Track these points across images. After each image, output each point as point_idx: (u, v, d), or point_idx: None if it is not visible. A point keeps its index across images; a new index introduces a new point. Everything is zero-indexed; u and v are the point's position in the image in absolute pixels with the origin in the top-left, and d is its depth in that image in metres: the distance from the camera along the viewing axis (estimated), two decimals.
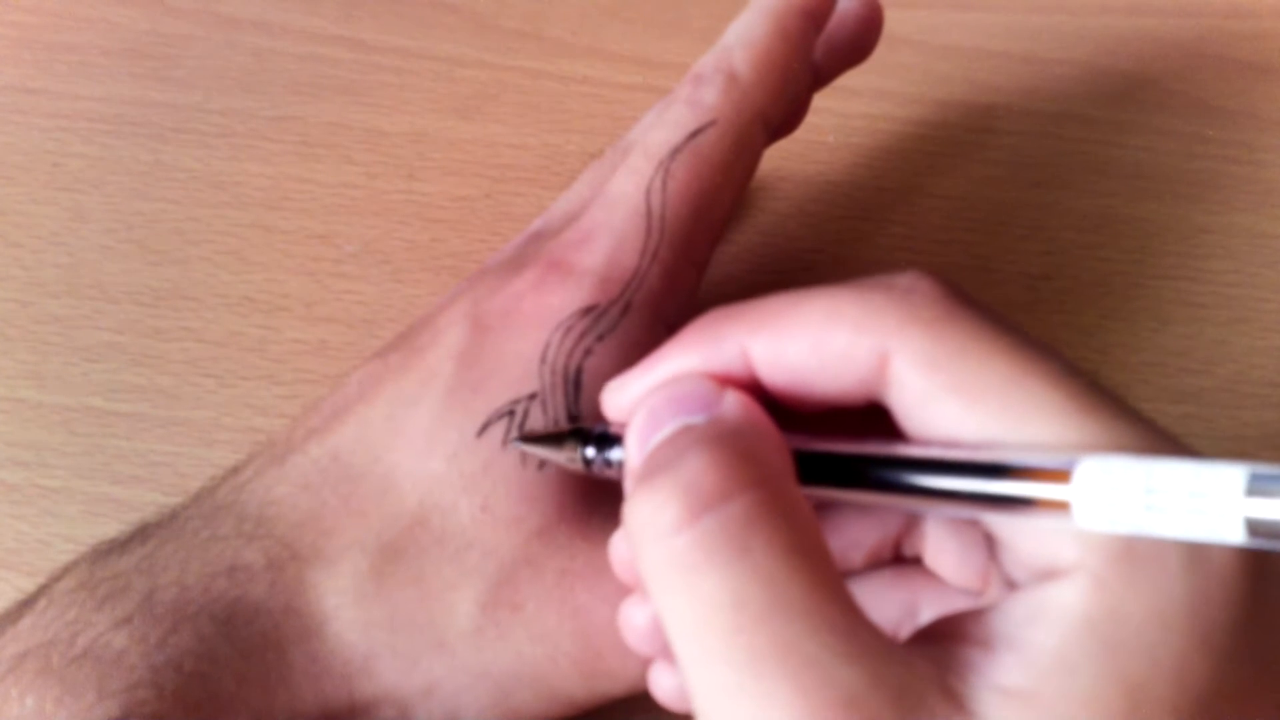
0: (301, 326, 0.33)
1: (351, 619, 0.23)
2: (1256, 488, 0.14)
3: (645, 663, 0.23)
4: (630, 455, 0.20)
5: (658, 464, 0.18)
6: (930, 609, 0.22)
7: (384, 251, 0.34)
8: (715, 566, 0.17)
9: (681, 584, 0.17)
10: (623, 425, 0.22)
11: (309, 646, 0.23)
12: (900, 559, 0.23)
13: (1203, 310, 0.33)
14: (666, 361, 0.21)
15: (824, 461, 0.19)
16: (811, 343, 0.19)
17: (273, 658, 0.22)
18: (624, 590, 0.23)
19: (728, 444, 0.18)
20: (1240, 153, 0.36)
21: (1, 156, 0.36)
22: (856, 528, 0.23)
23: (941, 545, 0.22)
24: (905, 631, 0.22)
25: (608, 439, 0.22)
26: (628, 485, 0.20)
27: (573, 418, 0.24)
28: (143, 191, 0.36)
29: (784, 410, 0.20)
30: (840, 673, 0.16)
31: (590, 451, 0.22)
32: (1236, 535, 0.15)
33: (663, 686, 0.22)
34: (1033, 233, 0.34)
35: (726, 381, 0.20)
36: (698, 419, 0.19)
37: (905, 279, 0.19)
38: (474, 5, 0.40)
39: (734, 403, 0.19)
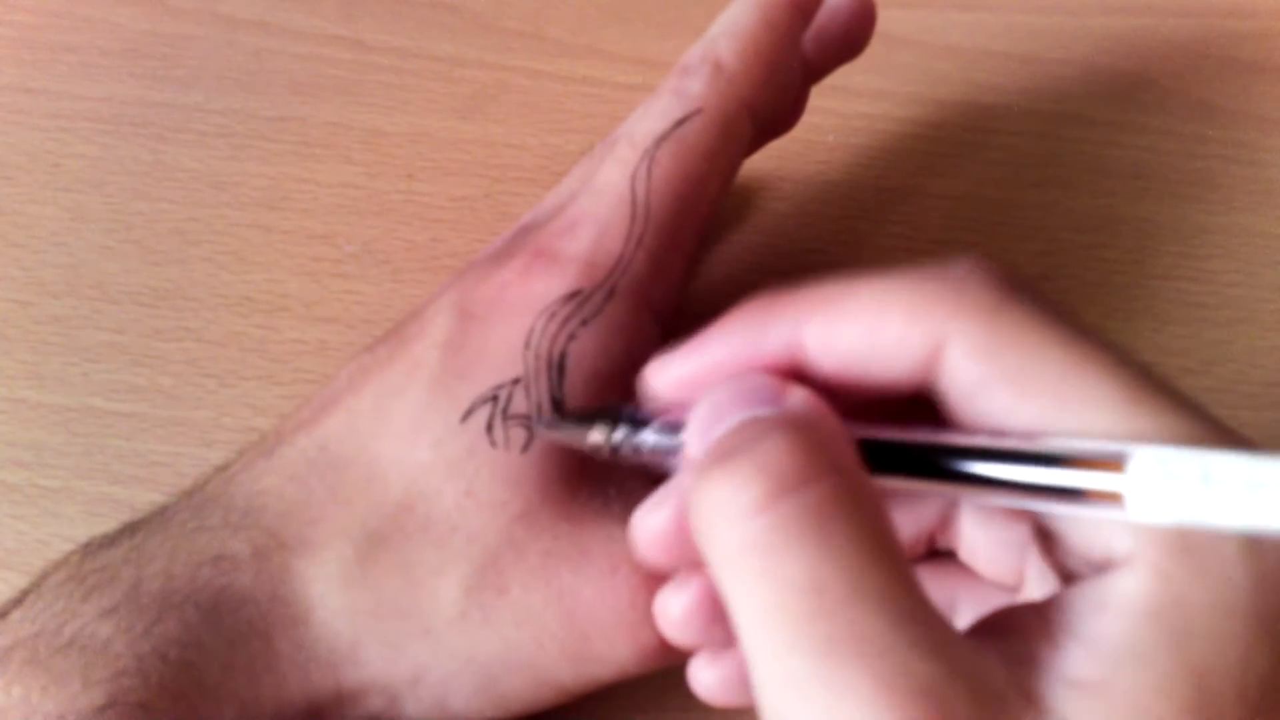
0: (301, 326, 0.33)
1: (337, 607, 0.23)
2: None
3: (633, 646, 0.23)
4: (691, 446, 0.20)
5: (731, 447, 0.18)
6: (967, 605, 0.22)
7: (384, 251, 0.34)
8: (796, 550, 0.16)
9: (758, 567, 0.17)
10: (661, 406, 0.21)
11: (295, 634, 0.23)
12: (935, 553, 0.23)
13: (1203, 310, 0.33)
14: (712, 344, 0.21)
15: (879, 449, 0.19)
16: (865, 329, 0.19)
17: (259, 646, 0.22)
18: (608, 571, 0.23)
19: (805, 431, 0.18)
20: (1240, 152, 0.36)
21: (2, 157, 0.36)
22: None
23: (975, 541, 0.22)
24: None
25: (638, 421, 0.22)
26: (687, 476, 0.20)
27: (555, 402, 0.24)
28: (143, 191, 0.36)
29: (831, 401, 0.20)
30: (918, 664, 0.16)
31: (619, 434, 0.22)
32: None
33: (702, 681, 0.22)
34: (1033, 233, 0.34)
35: (779, 371, 0.20)
36: (764, 411, 0.19)
37: (961, 266, 0.19)
38: (474, 5, 0.40)
39: (800, 397, 0.19)
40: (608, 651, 0.23)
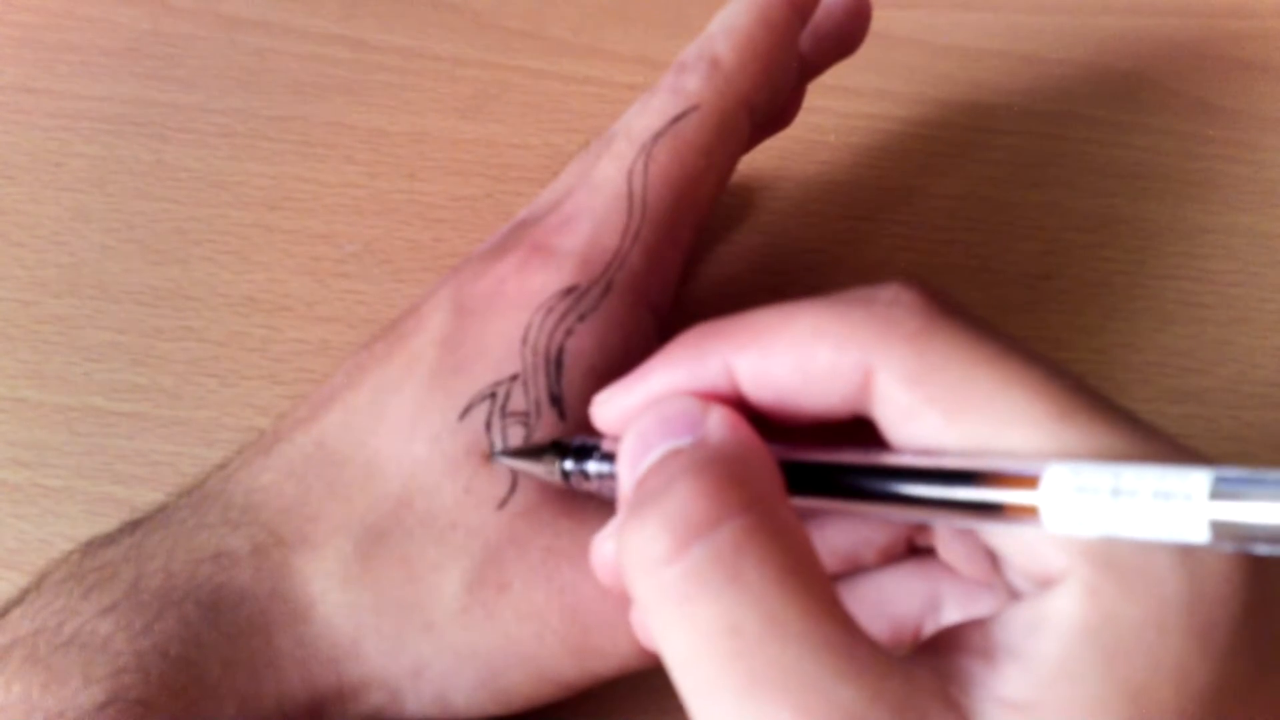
0: (303, 326, 0.33)
1: (338, 602, 0.23)
2: (1221, 490, 0.14)
3: (635, 641, 0.23)
4: (622, 481, 0.20)
5: (645, 495, 0.18)
6: (952, 600, 0.22)
7: (385, 251, 0.34)
8: (708, 595, 0.17)
9: (676, 615, 0.17)
10: (606, 437, 0.22)
11: (296, 631, 0.23)
12: (916, 551, 0.23)
13: (1204, 310, 0.33)
14: (652, 376, 0.21)
15: (804, 471, 0.19)
16: (795, 360, 0.19)
17: (259, 642, 0.22)
18: None
19: (714, 469, 0.18)
20: (1241, 152, 0.36)
21: (3, 156, 0.36)
22: (867, 526, 0.23)
23: (949, 542, 0.22)
24: (928, 624, 0.22)
25: (585, 450, 0.22)
26: (621, 512, 0.20)
27: (554, 398, 0.24)
28: (144, 191, 0.36)
29: (773, 424, 0.20)
30: (841, 692, 0.16)
31: (568, 464, 0.22)
32: (1201, 536, 0.15)
33: None
34: (1033, 233, 0.34)
35: (714, 398, 0.20)
36: (684, 441, 0.19)
37: (888, 291, 0.19)
38: (475, 5, 0.40)
39: (719, 422, 0.19)
40: (609, 646, 0.23)
